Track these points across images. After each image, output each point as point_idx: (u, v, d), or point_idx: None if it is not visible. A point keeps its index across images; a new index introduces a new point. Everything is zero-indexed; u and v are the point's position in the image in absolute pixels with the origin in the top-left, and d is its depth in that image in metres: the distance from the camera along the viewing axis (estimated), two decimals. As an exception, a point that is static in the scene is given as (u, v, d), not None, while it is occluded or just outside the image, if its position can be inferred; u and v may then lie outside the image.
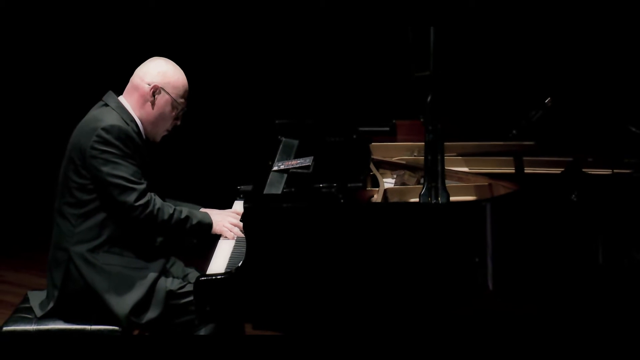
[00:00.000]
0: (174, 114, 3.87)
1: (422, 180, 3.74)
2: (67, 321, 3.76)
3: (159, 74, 3.83)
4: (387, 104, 6.10)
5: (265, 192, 3.78)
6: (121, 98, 3.85)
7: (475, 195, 3.81)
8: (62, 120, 5.00)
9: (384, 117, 4.38)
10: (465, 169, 4.06)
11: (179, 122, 3.92)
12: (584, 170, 3.87)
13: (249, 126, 6.48)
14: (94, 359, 3.60)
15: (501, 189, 3.73)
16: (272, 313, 3.49)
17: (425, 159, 3.51)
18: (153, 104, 3.83)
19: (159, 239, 3.89)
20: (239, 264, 3.46)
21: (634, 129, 3.86)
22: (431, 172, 3.49)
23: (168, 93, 3.83)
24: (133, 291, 3.72)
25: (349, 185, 3.63)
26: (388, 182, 3.99)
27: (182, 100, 3.86)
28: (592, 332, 3.62)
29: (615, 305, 3.54)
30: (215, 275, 3.50)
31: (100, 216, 3.74)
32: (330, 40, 6.55)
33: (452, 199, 3.56)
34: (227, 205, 4.11)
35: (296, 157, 4.05)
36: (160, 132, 3.89)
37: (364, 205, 3.62)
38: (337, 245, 3.42)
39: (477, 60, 4.70)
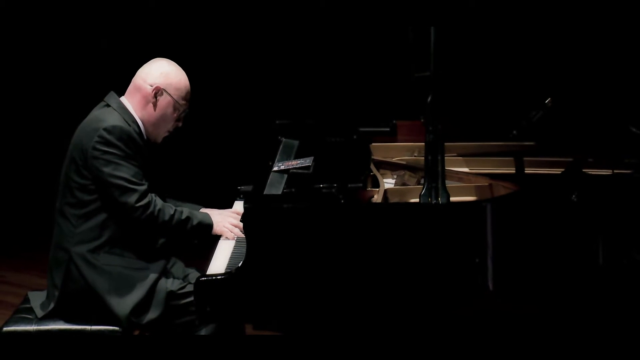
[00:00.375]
0: (175, 115, 3.87)
1: (422, 181, 3.74)
2: (67, 321, 3.76)
3: (161, 75, 3.83)
4: (387, 105, 6.10)
5: (265, 192, 3.78)
6: (123, 99, 3.85)
7: (476, 196, 3.81)
8: (63, 120, 5.00)
9: (384, 117, 4.38)
10: (466, 170, 4.06)
11: (180, 124, 3.93)
12: (584, 170, 3.87)
13: (249, 126, 6.48)
14: (94, 359, 3.60)
15: (501, 189, 3.74)
16: (272, 313, 3.49)
17: (426, 160, 3.51)
18: (155, 105, 3.83)
19: (160, 241, 3.90)
20: (239, 264, 3.46)
21: (634, 129, 3.86)
22: (431, 172, 3.50)
23: (170, 95, 3.83)
24: (134, 292, 3.72)
25: (349, 185, 3.63)
26: (388, 183, 3.99)
27: (184, 102, 3.87)
28: (592, 332, 3.62)
29: (615, 305, 3.54)
30: (216, 275, 3.50)
31: (101, 217, 3.74)
32: (330, 40, 6.55)
33: (452, 199, 3.56)
34: (227, 205, 4.11)
35: (296, 157, 4.05)
36: (162, 133, 3.89)
37: (364, 206, 3.62)
38: (337, 245, 3.42)
39: (478, 61, 4.71)
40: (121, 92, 3.88)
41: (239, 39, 6.75)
